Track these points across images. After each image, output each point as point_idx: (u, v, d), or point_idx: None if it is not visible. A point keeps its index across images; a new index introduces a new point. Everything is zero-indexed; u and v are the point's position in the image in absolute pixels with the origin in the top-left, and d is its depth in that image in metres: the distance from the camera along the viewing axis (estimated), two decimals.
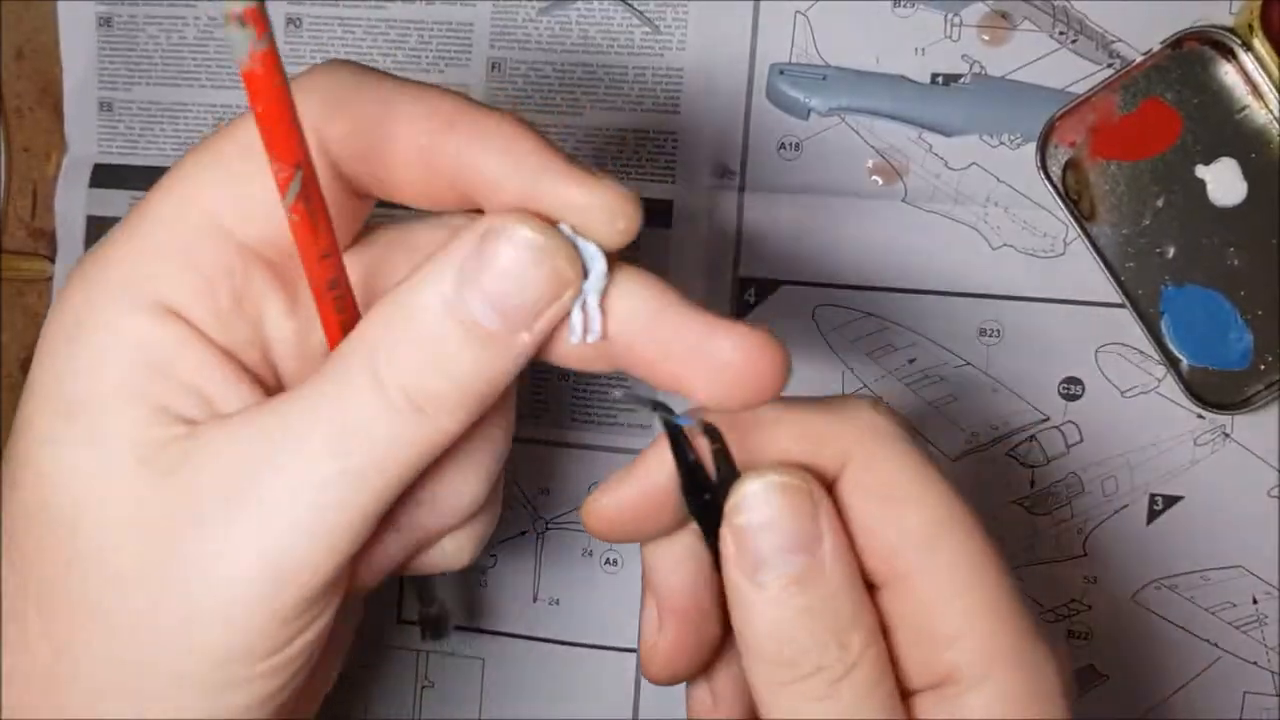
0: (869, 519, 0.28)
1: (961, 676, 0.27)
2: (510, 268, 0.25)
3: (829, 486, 0.28)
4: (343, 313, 0.27)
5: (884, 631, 0.28)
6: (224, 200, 0.27)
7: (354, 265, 0.29)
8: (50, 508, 0.26)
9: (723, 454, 0.28)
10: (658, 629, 0.31)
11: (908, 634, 0.28)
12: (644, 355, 0.27)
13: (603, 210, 0.25)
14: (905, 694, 0.28)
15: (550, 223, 0.26)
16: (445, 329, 0.25)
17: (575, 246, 0.26)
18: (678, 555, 0.31)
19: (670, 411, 0.28)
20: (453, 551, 0.32)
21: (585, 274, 0.26)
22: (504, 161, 0.26)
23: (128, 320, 0.26)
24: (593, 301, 0.26)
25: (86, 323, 0.26)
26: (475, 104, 0.27)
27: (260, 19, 0.21)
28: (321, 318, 0.27)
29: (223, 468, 0.25)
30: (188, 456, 0.25)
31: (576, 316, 0.26)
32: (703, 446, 0.28)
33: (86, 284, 0.27)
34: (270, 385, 0.28)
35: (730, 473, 0.28)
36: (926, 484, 0.28)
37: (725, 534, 0.27)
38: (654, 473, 0.29)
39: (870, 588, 0.28)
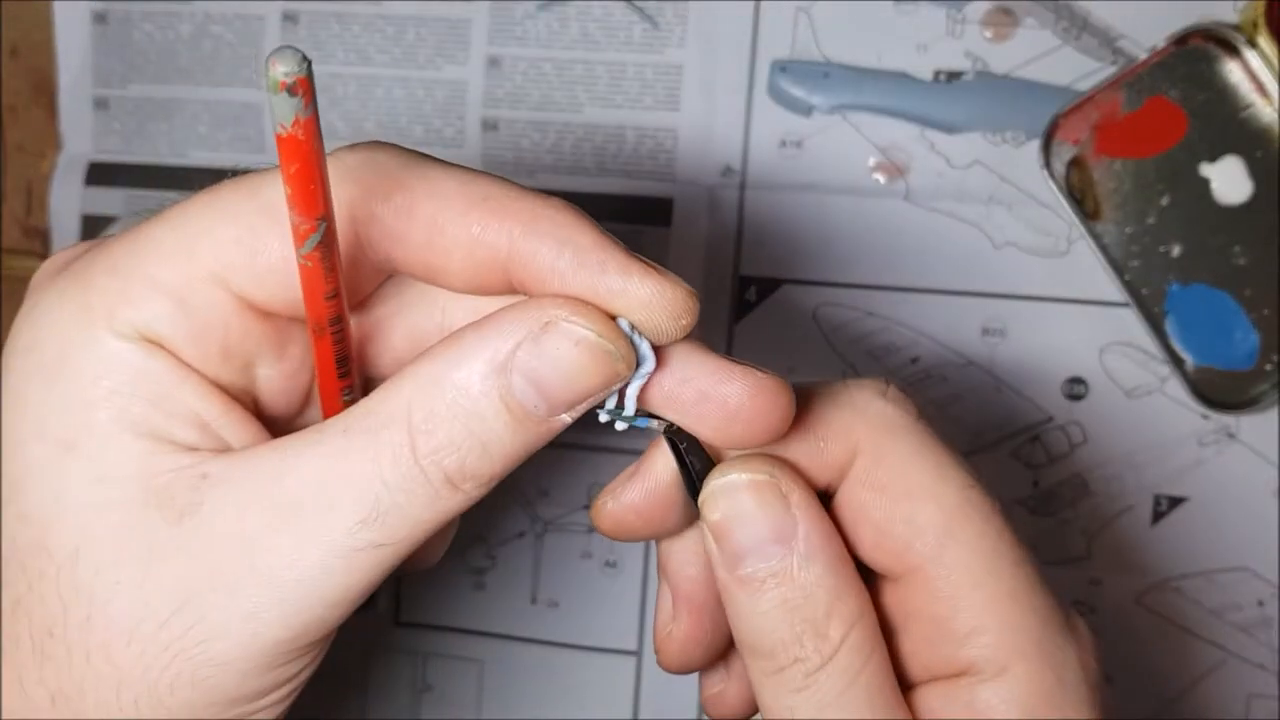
0: (879, 513, 0.28)
1: (978, 670, 0.27)
2: (569, 366, 0.25)
3: (837, 479, 0.28)
4: (339, 344, 0.27)
5: (898, 625, 0.28)
6: (234, 258, 0.26)
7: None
8: (46, 547, 0.25)
9: (696, 450, 0.28)
10: (672, 618, 0.31)
11: (923, 628, 0.27)
12: (649, 400, 0.27)
13: (669, 307, 0.25)
14: (914, 684, 0.28)
15: (609, 316, 0.25)
16: (489, 409, 0.25)
17: (634, 346, 0.26)
18: (691, 547, 0.30)
19: (660, 418, 0.28)
20: (427, 555, 0.32)
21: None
22: (565, 255, 0.25)
23: (115, 346, 0.25)
24: (632, 391, 0.26)
25: (71, 348, 0.25)
26: (524, 190, 0.26)
27: (309, 88, 0.21)
28: (317, 353, 0.27)
29: (240, 521, 0.25)
30: (201, 502, 0.25)
31: (612, 399, 0.26)
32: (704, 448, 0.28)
33: (65, 304, 0.26)
34: (261, 416, 0.28)
35: (707, 469, 0.28)
36: (938, 476, 0.27)
37: (704, 529, 0.27)
38: (658, 474, 0.29)
39: (884, 580, 0.28)
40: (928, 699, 0.27)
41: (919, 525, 0.27)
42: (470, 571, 0.50)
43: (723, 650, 0.32)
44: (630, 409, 0.27)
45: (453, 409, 0.25)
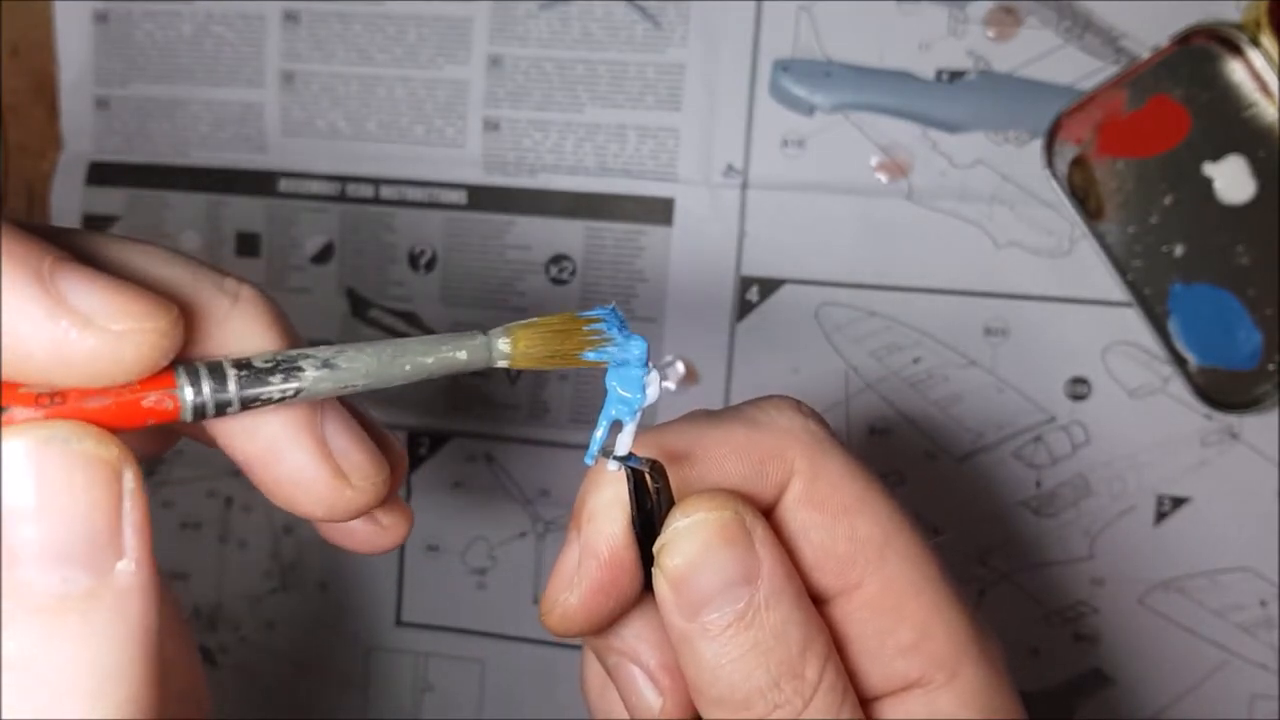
0: (820, 532, 0.26)
1: (930, 678, 0.26)
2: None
3: (773, 503, 0.27)
4: None
5: (837, 644, 0.27)
6: None
7: None
8: None
9: (665, 492, 0.26)
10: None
11: (866, 643, 0.27)
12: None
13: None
14: (864, 701, 0.27)
15: None
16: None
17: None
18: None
19: (634, 458, 0.25)
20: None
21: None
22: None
23: None
24: (630, 429, 0.25)
25: None
26: None
27: None
28: None
29: None
30: None
31: (599, 441, 0.25)
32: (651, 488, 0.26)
33: None
34: None
35: (668, 510, 0.26)
36: (870, 489, 0.27)
37: (658, 576, 0.25)
38: (606, 539, 0.26)
39: (817, 601, 0.27)
40: (886, 716, 0.27)
41: (860, 540, 0.26)
42: (471, 571, 0.50)
43: (615, 617, 0.28)
44: (625, 448, 0.25)
45: None
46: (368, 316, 0.50)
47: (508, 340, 0.23)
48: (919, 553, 0.27)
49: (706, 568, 0.24)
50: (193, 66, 0.51)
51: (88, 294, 0.20)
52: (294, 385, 0.22)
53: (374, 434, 0.27)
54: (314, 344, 0.23)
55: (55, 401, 0.20)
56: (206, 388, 0.21)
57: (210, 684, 0.37)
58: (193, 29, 0.51)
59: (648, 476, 0.25)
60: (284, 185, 0.51)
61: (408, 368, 0.23)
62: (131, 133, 0.52)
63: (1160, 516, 0.45)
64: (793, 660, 0.25)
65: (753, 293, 0.47)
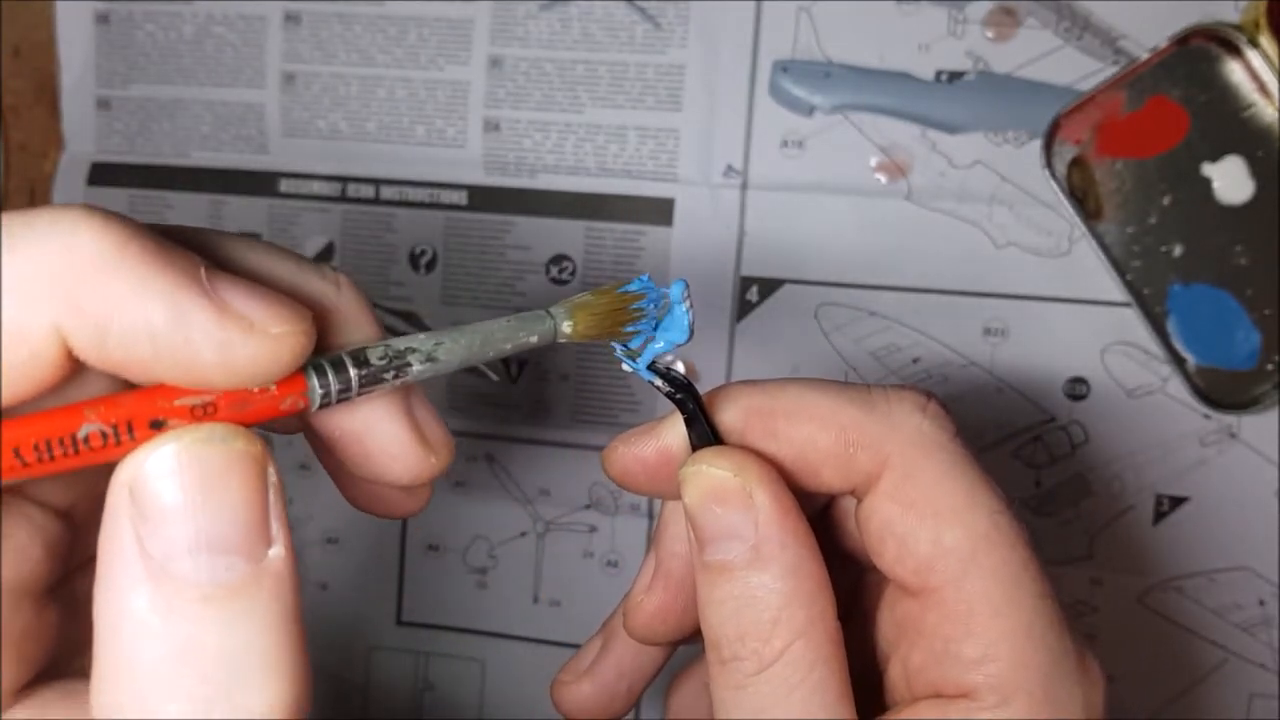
0: (903, 530, 0.27)
1: (981, 697, 0.26)
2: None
3: (864, 486, 0.28)
4: None
5: (909, 637, 0.28)
6: None
7: None
8: None
9: (697, 423, 0.28)
10: (647, 589, 0.31)
11: (933, 644, 0.27)
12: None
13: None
14: (916, 699, 0.27)
15: None
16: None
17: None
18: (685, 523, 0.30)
19: (671, 378, 0.28)
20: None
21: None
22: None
23: None
24: (651, 348, 0.28)
25: None
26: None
27: None
28: None
29: None
30: None
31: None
32: (721, 417, 0.28)
33: None
34: None
35: (705, 444, 0.28)
36: (968, 499, 0.27)
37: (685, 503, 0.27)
38: (671, 436, 0.29)
39: (902, 590, 0.28)
40: (923, 715, 0.27)
41: (944, 548, 0.26)
42: (472, 571, 0.50)
43: (689, 632, 0.31)
44: (642, 364, 0.28)
45: None
46: None
47: (570, 322, 0.27)
48: (1010, 575, 0.26)
49: (703, 514, 0.27)
50: (194, 67, 0.51)
51: (245, 299, 0.21)
52: (402, 377, 0.24)
53: None
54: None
55: (209, 413, 0.22)
56: (332, 382, 0.23)
57: None
58: (194, 30, 0.51)
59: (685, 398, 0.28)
60: (285, 185, 0.51)
61: (491, 354, 0.26)
62: (133, 133, 0.52)
63: (1159, 516, 0.45)
64: (760, 625, 0.26)
65: (753, 293, 0.47)
